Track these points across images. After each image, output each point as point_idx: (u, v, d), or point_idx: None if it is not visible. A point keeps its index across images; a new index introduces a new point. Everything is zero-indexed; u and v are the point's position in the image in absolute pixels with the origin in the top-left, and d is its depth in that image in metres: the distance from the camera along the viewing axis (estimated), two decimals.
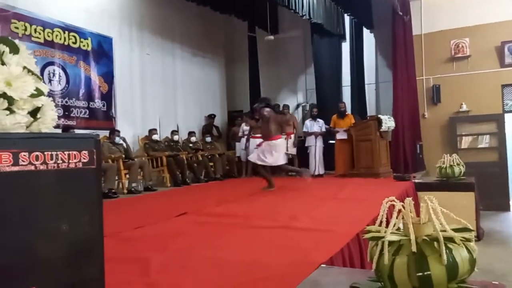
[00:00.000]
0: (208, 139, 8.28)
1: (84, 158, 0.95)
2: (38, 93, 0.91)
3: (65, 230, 0.91)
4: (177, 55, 8.54)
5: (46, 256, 0.91)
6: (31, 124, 0.92)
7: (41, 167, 0.86)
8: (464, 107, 7.71)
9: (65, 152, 0.90)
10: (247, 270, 1.95)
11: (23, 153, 0.84)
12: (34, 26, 5.68)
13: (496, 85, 7.52)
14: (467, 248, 1.19)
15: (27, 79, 0.89)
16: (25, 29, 5.56)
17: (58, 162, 0.89)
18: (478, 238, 4.86)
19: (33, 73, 0.91)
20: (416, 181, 5.66)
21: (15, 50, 0.91)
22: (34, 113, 0.92)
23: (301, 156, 7.88)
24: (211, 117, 9.10)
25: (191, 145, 7.79)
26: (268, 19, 8.64)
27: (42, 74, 5.71)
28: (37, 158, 0.86)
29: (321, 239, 2.47)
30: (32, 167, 0.85)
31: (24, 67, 0.90)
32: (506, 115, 7.57)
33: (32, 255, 0.89)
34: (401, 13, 7.29)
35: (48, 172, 0.88)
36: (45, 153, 0.87)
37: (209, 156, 7.80)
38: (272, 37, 8.85)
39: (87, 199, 0.98)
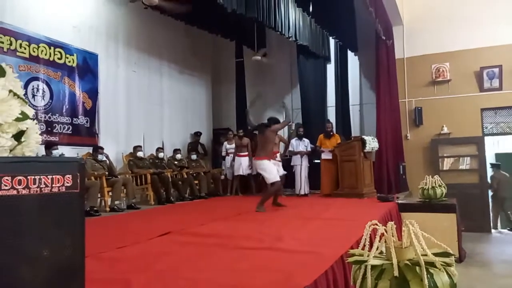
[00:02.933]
0: (194, 156, 8.25)
1: (68, 182, 0.94)
2: (24, 117, 0.90)
3: (47, 255, 0.89)
4: (164, 72, 8.56)
5: (27, 279, 0.89)
6: (15, 147, 0.91)
7: (24, 192, 0.85)
8: (445, 129, 7.91)
9: (49, 176, 0.89)
10: None
11: (5, 178, 0.83)
12: (19, 41, 5.64)
13: (475, 109, 7.75)
14: (447, 273, 1.21)
15: (13, 103, 0.88)
16: (10, 44, 5.51)
17: (41, 186, 0.88)
18: (460, 259, 4.91)
19: (19, 97, 0.91)
20: (399, 201, 5.72)
21: (1, 73, 0.91)
22: (19, 136, 0.91)
23: (286, 176, 7.90)
24: (197, 134, 9.09)
25: (176, 162, 7.74)
26: (255, 39, 8.78)
27: (26, 89, 5.64)
28: (19, 182, 0.85)
29: (305, 261, 2.46)
30: (15, 192, 0.84)
31: (10, 91, 0.90)
32: (486, 138, 7.78)
33: (13, 279, 0.87)
34: (384, 38, 7.51)
35: (31, 196, 0.87)
36: (28, 177, 0.86)
37: (194, 174, 7.76)
38: (259, 57, 8.97)
39: (70, 223, 0.97)
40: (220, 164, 8.78)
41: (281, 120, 5.99)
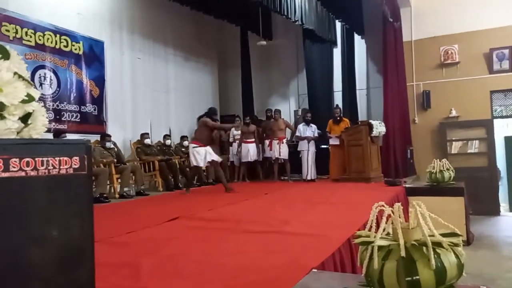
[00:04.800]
0: None
1: (75, 164, 0.94)
2: (29, 98, 0.91)
3: (56, 236, 0.90)
4: (170, 59, 8.54)
5: (36, 261, 0.91)
6: (22, 130, 0.91)
7: (32, 173, 0.86)
8: (454, 113, 7.81)
9: (56, 158, 0.90)
10: (238, 275, 1.95)
11: (13, 159, 0.84)
12: (25, 29, 5.64)
13: (484, 91, 7.64)
14: (455, 253, 1.21)
15: (18, 85, 0.89)
16: (16, 32, 5.52)
17: (49, 168, 0.89)
18: (468, 242, 4.91)
19: (24, 79, 0.91)
20: (407, 186, 5.70)
21: (5, 55, 0.91)
22: (25, 118, 0.92)
23: (293, 161, 7.90)
24: None
25: (183, 149, 7.77)
26: (260, 24, 8.68)
27: (33, 77, 5.67)
28: (27, 164, 0.86)
29: (312, 243, 2.48)
30: (23, 173, 0.85)
31: (15, 73, 0.90)
32: (495, 121, 7.68)
33: (22, 261, 0.89)
34: (391, 20, 7.37)
35: (39, 178, 0.88)
36: (36, 159, 0.87)
37: None
38: (264, 42, 8.88)
39: (78, 205, 0.98)
40: (227, 151, 8.79)
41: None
